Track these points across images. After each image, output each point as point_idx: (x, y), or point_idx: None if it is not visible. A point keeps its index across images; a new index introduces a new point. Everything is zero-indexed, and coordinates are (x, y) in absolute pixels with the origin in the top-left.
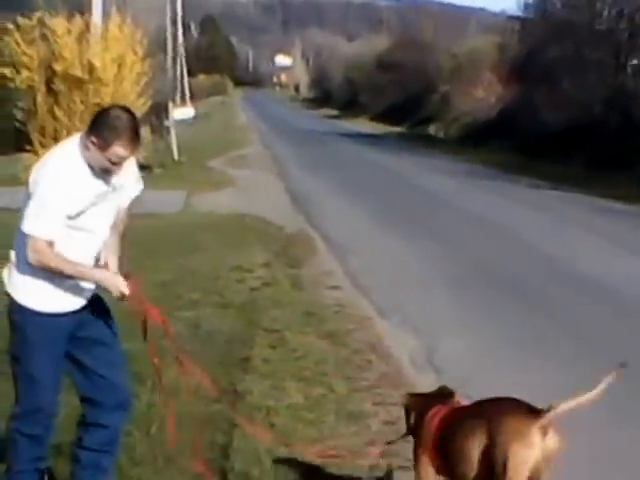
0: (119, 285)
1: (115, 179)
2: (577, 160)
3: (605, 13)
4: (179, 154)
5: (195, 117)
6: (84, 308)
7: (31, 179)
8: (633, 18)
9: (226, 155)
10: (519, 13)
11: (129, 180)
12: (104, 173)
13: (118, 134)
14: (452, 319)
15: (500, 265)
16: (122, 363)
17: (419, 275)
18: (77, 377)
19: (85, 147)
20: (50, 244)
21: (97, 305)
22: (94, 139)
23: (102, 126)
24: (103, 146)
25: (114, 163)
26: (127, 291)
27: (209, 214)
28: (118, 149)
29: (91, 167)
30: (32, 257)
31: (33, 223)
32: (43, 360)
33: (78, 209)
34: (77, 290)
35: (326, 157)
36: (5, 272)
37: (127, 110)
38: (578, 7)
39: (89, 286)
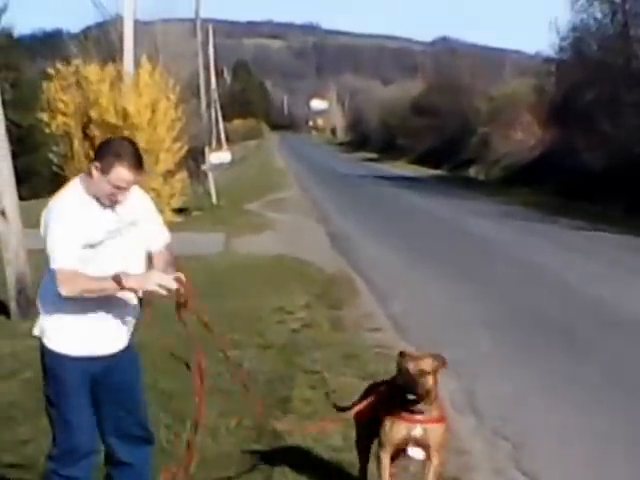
0: (162, 280)
1: (126, 212)
2: (617, 201)
3: None
4: (217, 198)
5: (232, 161)
6: (114, 354)
7: (42, 224)
8: None
9: (264, 198)
10: (554, 55)
11: (143, 215)
12: (110, 202)
13: (119, 156)
14: (493, 362)
15: (542, 308)
16: (141, 405)
17: (460, 317)
18: (97, 415)
19: (89, 176)
20: (74, 272)
21: (126, 352)
22: (97, 164)
23: (105, 151)
24: (106, 169)
25: (118, 187)
26: (174, 284)
27: (249, 256)
28: (120, 171)
29: (97, 199)
30: (63, 290)
31: (52, 259)
32: (77, 403)
33: (91, 240)
34: (109, 334)
35: (365, 200)
36: (37, 327)
37: (129, 139)
38: (614, 48)
39: (119, 330)
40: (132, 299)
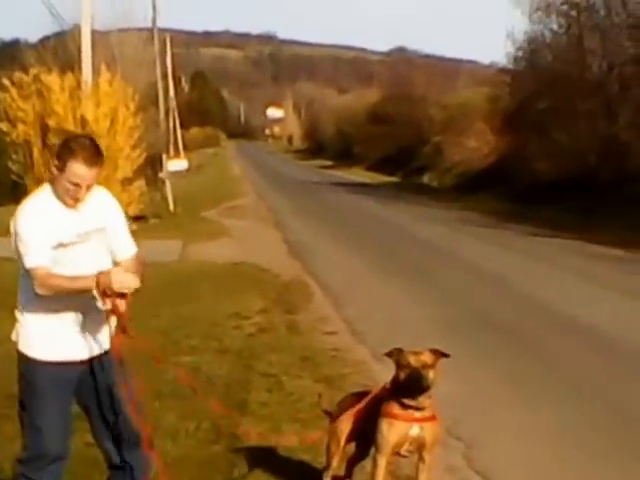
0: (126, 278)
1: (96, 217)
2: (570, 208)
3: (595, 65)
4: (174, 205)
5: (189, 169)
6: (94, 359)
7: (11, 230)
8: (623, 70)
9: (221, 206)
10: (509, 65)
11: (112, 222)
12: (71, 200)
13: (72, 153)
14: (445, 363)
15: (494, 312)
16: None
17: (414, 321)
18: (90, 422)
19: (52, 178)
20: (48, 271)
21: (106, 355)
22: (55, 162)
23: (60, 150)
24: (61, 166)
25: (75, 184)
26: (136, 282)
27: (205, 263)
28: (74, 166)
29: (63, 201)
30: (39, 289)
31: (25, 260)
32: (49, 409)
33: (61, 240)
34: (83, 339)
35: (321, 207)
36: (14, 332)
37: (86, 136)
38: (568, 59)
39: (96, 335)
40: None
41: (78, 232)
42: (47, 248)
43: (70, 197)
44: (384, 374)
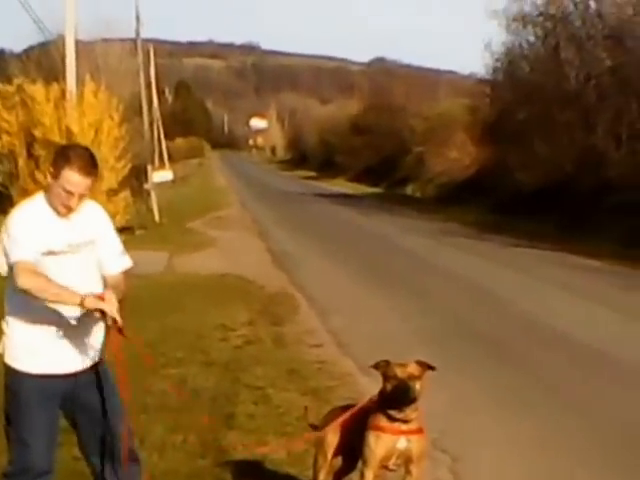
0: (113, 307)
1: (87, 229)
2: (550, 219)
3: (572, 76)
4: (160, 216)
5: (174, 179)
6: (81, 372)
7: (2, 235)
8: (600, 80)
9: (206, 216)
10: (488, 76)
11: (103, 235)
12: (64, 208)
13: (68, 160)
14: (430, 375)
15: (477, 323)
16: (120, 422)
17: (399, 332)
18: (78, 436)
19: (46, 186)
20: (32, 266)
21: (96, 369)
22: (51, 169)
23: (56, 157)
24: (55, 173)
25: (68, 192)
26: (119, 317)
27: (191, 274)
28: (68, 174)
29: (56, 210)
30: (19, 281)
31: (10, 255)
32: (35, 422)
33: (51, 247)
34: (69, 352)
35: (305, 217)
36: (0, 344)
37: (83, 146)
38: (545, 70)
39: (82, 348)
40: (96, 318)
41: (69, 242)
42: (34, 248)
43: (62, 205)
44: (370, 386)
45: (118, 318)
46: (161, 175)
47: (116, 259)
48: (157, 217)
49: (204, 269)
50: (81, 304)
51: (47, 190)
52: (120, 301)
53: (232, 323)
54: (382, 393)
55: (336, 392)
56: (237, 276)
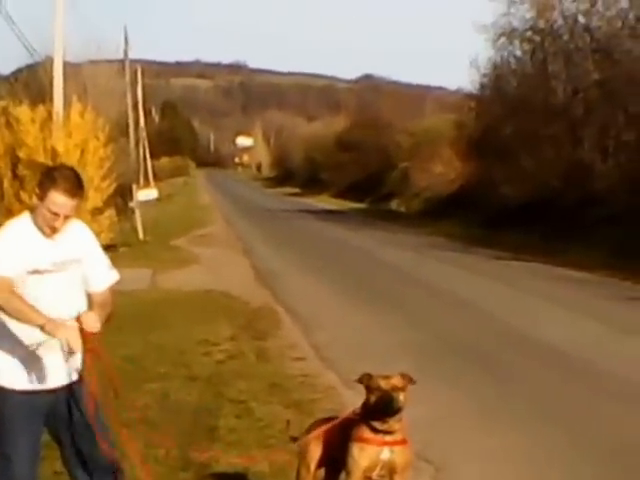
0: (70, 337)
1: (71, 248)
2: (536, 231)
3: (560, 90)
4: (144, 234)
5: (159, 198)
6: (63, 388)
7: None
8: (587, 94)
9: (190, 234)
10: (475, 91)
11: (89, 253)
12: (50, 229)
13: (54, 181)
14: (415, 387)
15: (460, 334)
16: (103, 435)
17: (382, 345)
18: (61, 451)
19: (33, 206)
20: (7, 280)
21: (79, 385)
22: (37, 191)
23: (42, 179)
24: (42, 195)
25: (54, 213)
26: (78, 347)
27: (175, 291)
28: (54, 195)
29: (42, 230)
30: None
31: None
32: (18, 438)
33: (35, 266)
34: (51, 368)
35: (289, 234)
36: None
37: (70, 167)
38: (533, 85)
39: (65, 364)
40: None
41: (54, 261)
42: (18, 266)
43: (48, 226)
44: (353, 399)
45: (75, 348)
46: (146, 194)
47: (104, 275)
48: (141, 235)
49: (188, 285)
50: (42, 327)
51: (33, 210)
52: (107, 318)
53: (215, 338)
54: (366, 405)
55: (319, 405)
56: (221, 292)
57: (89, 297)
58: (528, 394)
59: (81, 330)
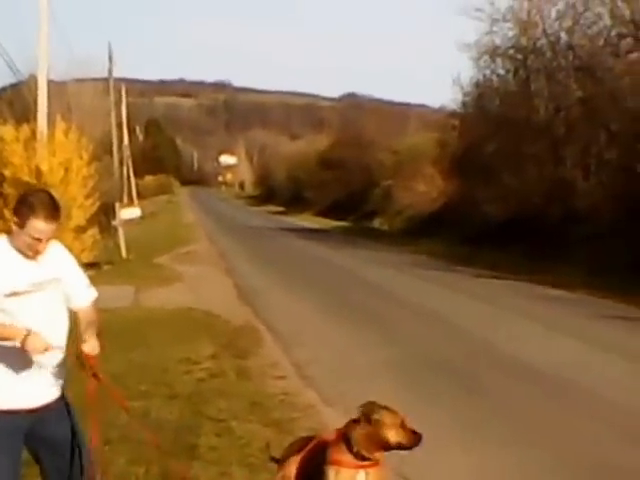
0: (36, 344)
1: (50, 268)
2: (517, 250)
3: (542, 108)
4: (127, 252)
5: (142, 216)
6: (43, 408)
7: None
8: (569, 112)
9: (173, 252)
10: (458, 109)
11: (67, 272)
12: (32, 253)
13: (33, 209)
14: (394, 405)
15: (440, 353)
16: (83, 455)
17: (363, 364)
18: (41, 470)
19: (13, 232)
20: None
21: (59, 404)
22: (15, 219)
23: (20, 206)
24: (21, 223)
25: (36, 239)
26: (41, 351)
27: (157, 309)
28: (35, 223)
29: (21, 252)
30: None
31: None
32: None
33: (14, 288)
34: (32, 388)
35: (272, 252)
36: None
37: (44, 191)
38: (515, 103)
39: (45, 384)
40: (56, 354)
41: (33, 281)
42: None
43: (31, 250)
44: (333, 417)
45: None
46: (129, 212)
47: (83, 292)
48: (124, 253)
49: (170, 303)
50: (23, 341)
51: (10, 234)
52: (98, 334)
53: (196, 357)
54: (351, 431)
55: (299, 423)
56: (203, 310)
57: (76, 315)
58: (507, 412)
59: (84, 355)
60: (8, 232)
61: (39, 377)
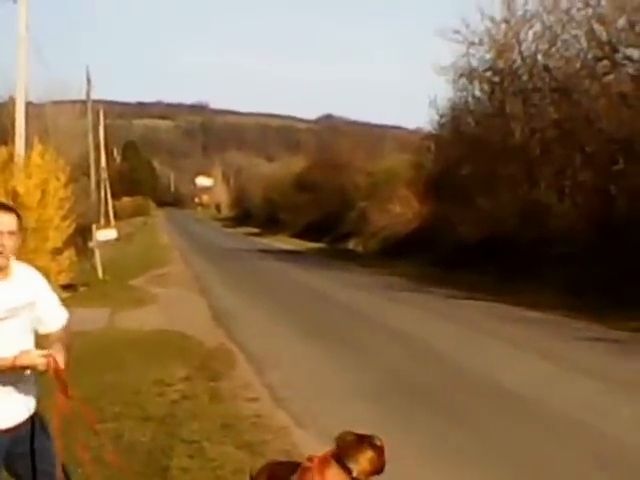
0: (34, 358)
1: (23, 292)
2: (491, 271)
3: (517, 130)
4: (103, 273)
5: (118, 237)
6: (20, 426)
7: None
8: (544, 134)
9: (148, 274)
10: (434, 131)
11: (40, 296)
12: None
13: None
14: (365, 428)
15: (414, 375)
16: (57, 470)
17: (335, 386)
18: None
19: None
20: None
21: (34, 420)
22: None
23: None
24: None
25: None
26: (42, 362)
27: (132, 331)
28: None
29: None
30: None
31: None
32: None
33: None
34: (8, 408)
35: (247, 274)
36: None
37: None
38: (491, 125)
39: (22, 401)
40: (27, 373)
41: (7, 307)
42: None
43: None
44: (305, 440)
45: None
46: (105, 234)
47: (56, 315)
48: (100, 274)
49: (144, 325)
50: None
51: None
52: (67, 350)
53: (170, 378)
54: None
55: (271, 445)
56: (177, 332)
57: (46, 337)
58: (479, 434)
59: (53, 370)
60: None
61: (15, 395)
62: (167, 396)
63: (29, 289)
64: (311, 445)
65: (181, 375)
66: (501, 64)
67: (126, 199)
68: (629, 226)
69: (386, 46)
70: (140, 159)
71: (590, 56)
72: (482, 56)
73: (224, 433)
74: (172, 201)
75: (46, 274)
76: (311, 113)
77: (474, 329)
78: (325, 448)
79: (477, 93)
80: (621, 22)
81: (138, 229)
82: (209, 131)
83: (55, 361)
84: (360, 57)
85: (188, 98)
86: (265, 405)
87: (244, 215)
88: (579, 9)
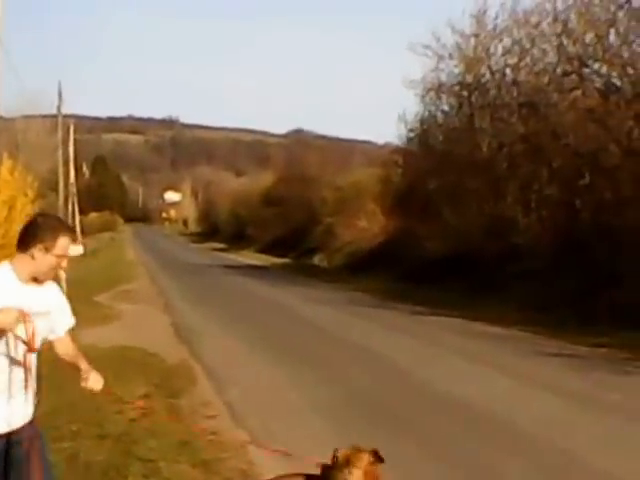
0: (12, 317)
1: (47, 298)
2: (456, 286)
3: (485, 144)
4: (68, 289)
5: (84, 253)
6: (14, 432)
7: None
8: (512, 149)
9: (113, 290)
10: (402, 146)
11: (55, 307)
12: (53, 274)
13: (59, 229)
14: (323, 446)
15: (375, 391)
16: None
17: (295, 403)
18: None
19: (31, 258)
20: None
21: (30, 426)
22: (40, 246)
23: (43, 231)
24: (50, 246)
25: (60, 257)
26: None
27: (92, 347)
28: (62, 241)
29: (47, 277)
30: None
31: None
32: None
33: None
34: (9, 411)
35: (211, 290)
36: None
37: (45, 214)
38: (459, 139)
39: (21, 406)
40: (29, 377)
41: (35, 310)
42: None
43: (55, 271)
44: (262, 458)
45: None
46: (72, 249)
47: (66, 322)
48: (65, 290)
49: (106, 342)
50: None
51: (19, 263)
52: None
53: (129, 396)
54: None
55: (227, 464)
56: (138, 349)
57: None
58: (443, 452)
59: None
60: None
61: (10, 402)
62: (126, 414)
63: (49, 299)
64: (267, 463)
65: (141, 392)
66: (470, 78)
67: (94, 214)
68: (593, 240)
69: (356, 61)
70: (109, 174)
71: (559, 70)
72: (451, 70)
73: (180, 451)
74: (140, 216)
75: None
76: (282, 128)
77: (437, 345)
78: (281, 465)
79: (445, 107)
80: (589, 37)
81: (105, 245)
82: (179, 145)
83: (34, 333)
84: (330, 72)
85: (159, 113)
86: (223, 422)
87: (211, 230)
88: (548, 24)
